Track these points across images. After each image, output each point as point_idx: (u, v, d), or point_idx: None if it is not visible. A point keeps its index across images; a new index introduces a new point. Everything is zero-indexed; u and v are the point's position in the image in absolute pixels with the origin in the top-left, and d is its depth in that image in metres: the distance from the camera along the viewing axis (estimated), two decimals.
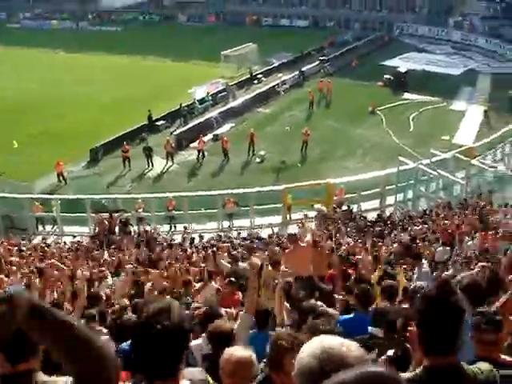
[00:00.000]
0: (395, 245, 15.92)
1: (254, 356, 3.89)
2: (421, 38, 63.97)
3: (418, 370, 2.96)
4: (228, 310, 7.46)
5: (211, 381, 3.38)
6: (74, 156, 33.22)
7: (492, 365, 3.26)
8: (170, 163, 33.18)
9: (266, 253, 13.95)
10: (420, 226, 19.33)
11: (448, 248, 14.61)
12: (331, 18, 73.10)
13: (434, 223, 19.23)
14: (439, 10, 68.53)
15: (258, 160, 33.31)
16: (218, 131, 37.31)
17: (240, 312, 6.74)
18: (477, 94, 45.46)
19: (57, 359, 1.91)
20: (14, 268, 13.86)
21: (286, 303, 7.19)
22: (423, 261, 11.89)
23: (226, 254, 15.15)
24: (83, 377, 1.91)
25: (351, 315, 6.89)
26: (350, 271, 10.92)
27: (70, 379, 2.07)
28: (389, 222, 22.16)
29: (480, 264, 7.80)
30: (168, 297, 8.73)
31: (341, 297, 8.37)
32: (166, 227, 26.54)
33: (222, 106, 42.06)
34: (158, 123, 38.50)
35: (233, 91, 44.67)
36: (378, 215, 24.26)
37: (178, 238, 23.35)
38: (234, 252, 16.02)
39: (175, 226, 26.40)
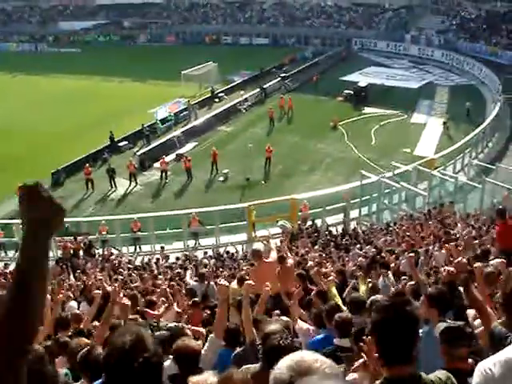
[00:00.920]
0: (360, 258, 15.96)
1: None
2: (379, 53, 64.97)
3: (377, 382, 2.97)
4: (195, 328, 7.37)
5: None
6: (35, 180, 32.74)
7: (461, 374, 3.27)
8: (133, 184, 32.97)
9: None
10: (384, 239, 19.47)
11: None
12: (291, 36, 73.82)
13: (398, 235, 19.37)
14: (396, 26, 69.70)
15: (221, 178, 33.28)
16: (181, 151, 37.22)
17: (210, 335, 6.68)
18: (436, 107, 46.23)
19: None
20: None
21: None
22: (389, 272, 11.95)
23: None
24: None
25: (322, 335, 6.82)
26: (312, 287, 10.87)
27: None
28: (353, 236, 22.25)
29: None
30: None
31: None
32: (131, 249, 26.29)
33: (184, 126, 42.02)
34: (120, 144, 38.31)
35: (194, 110, 44.68)
36: (342, 229, 24.36)
37: (143, 259, 23.14)
38: (203, 270, 15.89)
39: (140, 248, 26.19)
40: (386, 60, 62.40)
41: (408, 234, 17.90)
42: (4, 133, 39.76)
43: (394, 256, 15.07)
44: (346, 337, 5.73)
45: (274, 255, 11.50)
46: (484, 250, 11.57)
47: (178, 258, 22.24)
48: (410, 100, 46.82)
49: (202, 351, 5.90)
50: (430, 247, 15.29)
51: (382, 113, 43.99)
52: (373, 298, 7.16)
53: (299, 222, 25.95)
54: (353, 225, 26.50)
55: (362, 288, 10.70)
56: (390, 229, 21.77)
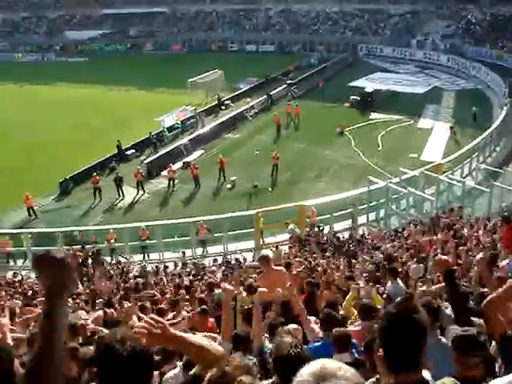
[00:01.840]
0: (368, 264, 15.95)
1: None
2: (385, 59, 64.99)
3: None
4: (207, 333, 7.38)
5: None
6: (43, 189, 32.98)
7: (473, 382, 3.26)
8: (140, 192, 33.03)
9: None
10: (392, 244, 19.42)
11: (422, 265, 14.66)
12: (296, 42, 73.95)
13: (406, 241, 19.33)
14: (401, 31, 69.71)
15: (228, 186, 33.30)
16: (188, 159, 37.27)
17: (218, 338, 6.68)
18: (442, 111, 46.17)
19: None
20: None
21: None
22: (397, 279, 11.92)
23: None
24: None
25: (319, 343, 6.75)
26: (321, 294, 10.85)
27: None
28: (361, 242, 22.23)
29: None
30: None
31: None
32: (139, 257, 26.35)
33: (191, 134, 42.09)
34: (128, 152, 38.42)
35: (201, 118, 44.76)
36: (349, 235, 24.32)
37: (151, 268, 23.15)
38: (211, 279, 15.92)
39: (148, 256, 26.23)
40: (392, 65, 62.39)
41: (416, 239, 17.87)
42: (12, 142, 40.00)
43: (401, 262, 15.05)
44: (344, 351, 5.69)
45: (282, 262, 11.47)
46: (492, 255, 11.53)
47: (184, 265, 22.26)
48: (416, 105, 46.78)
49: None
50: (439, 250, 15.26)
51: (389, 118, 43.95)
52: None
53: (307, 229, 25.94)
54: (361, 231, 26.48)
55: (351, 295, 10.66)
56: (399, 234, 21.73)
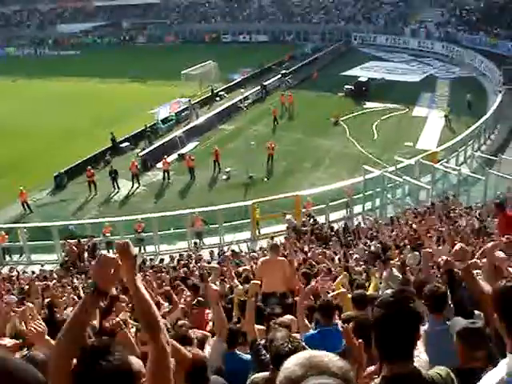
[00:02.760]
0: (364, 253, 15.94)
1: None
2: (379, 47, 64.92)
3: (376, 381, 2.95)
4: (196, 331, 7.32)
5: None
6: (38, 183, 32.89)
7: (475, 373, 3.24)
8: (136, 185, 32.95)
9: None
10: (388, 233, 19.42)
11: (417, 253, 14.66)
12: (290, 32, 73.79)
13: (402, 229, 19.32)
14: (395, 19, 69.60)
15: (224, 177, 33.26)
16: (183, 150, 37.19)
17: (215, 336, 6.66)
18: (437, 100, 46.14)
19: None
20: None
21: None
22: (393, 268, 11.90)
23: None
24: None
25: (315, 331, 6.76)
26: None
27: None
28: (357, 231, 22.22)
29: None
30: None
31: None
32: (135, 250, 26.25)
33: (186, 125, 41.99)
34: (122, 145, 38.31)
35: (195, 109, 44.66)
36: (345, 224, 24.30)
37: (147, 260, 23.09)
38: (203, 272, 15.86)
39: (144, 248, 26.18)
40: (387, 54, 62.34)
41: (412, 228, 17.85)
42: (5, 136, 39.81)
43: (398, 250, 15.04)
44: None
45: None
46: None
47: (180, 257, 22.18)
48: (411, 93, 46.76)
49: (207, 354, 5.86)
50: (434, 238, 15.26)
51: (384, 107, 43.91)
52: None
53: (303, 219, 25.92)
54: (357, 220, 26.48)
55: (373, 283, 10.70)
56: (395, 223, 21.72)
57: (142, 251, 26.00)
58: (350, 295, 8.37)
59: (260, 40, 73.83)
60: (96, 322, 6.32)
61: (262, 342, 5.79)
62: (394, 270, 11.16)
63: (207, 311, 9.60)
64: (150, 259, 23.02)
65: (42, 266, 23.03)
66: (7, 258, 26.58)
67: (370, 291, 10.17)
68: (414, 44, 63.53)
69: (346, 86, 47.71)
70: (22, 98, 50.63)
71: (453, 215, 19.70)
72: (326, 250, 17.26)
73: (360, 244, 19.00)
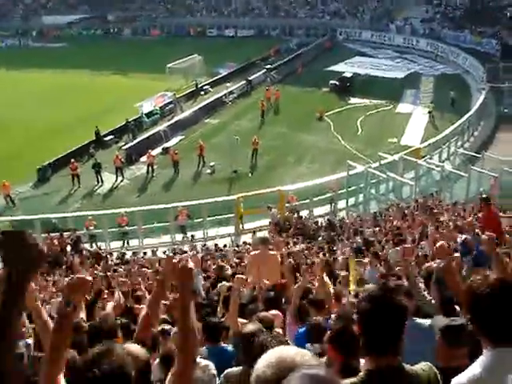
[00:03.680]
0: (347, 249, 16.01)
1: None
2: (364, 43, 64.96)
3: (361, 374, 2.96)
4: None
5: None
6: (21, 176, 32.63)
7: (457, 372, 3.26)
8: (120, 178, 32.82)
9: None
10: (372, 229, 19.51)
11: (399, 248, 14.72)
12: (275, 27, 73.68)
13: (385, 225, 19.42)
14: (380, 15, 69.70)
15: (208, 171, 33.22)
16: (167, 144, 37.07)
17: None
18: (421, 96, 46.32)
19: None
20: None
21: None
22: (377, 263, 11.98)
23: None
24: None
25: (304, 329, 6.72)
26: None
27: None
28: (340, 227, 22.30)
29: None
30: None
31: None
32: (119, 244, 26.23)
33: (170, 119, 41.85)
34: (106, 138, 38.11)
35: (180, 103, 44.53)
36: (328, 220, 24.37)
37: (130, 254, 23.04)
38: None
39: (128, 242, 26.12)
40: (371, 50, 62.35)
41: (395, 223, 17.96)
42: None
43: (380, 245, 15.12)
44: (317, 342, 5.64)
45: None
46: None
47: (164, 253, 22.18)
48: (395, 90, 46.92)
49: None
50: (417, 236, 15.34)
51: (368, 103, 44.06)
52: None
53: (287, 214, 25.97)
54: (341, 215, 26.58)
55: (352, 274, 10.75)
56: (378, 219, 21.83)
57: (126, 245, 25.99)
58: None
59: (245, 34, 73.58)
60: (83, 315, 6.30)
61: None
62: (378, 266, 11.27)
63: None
64: (133, 253, 22.98)
65: None
66: None
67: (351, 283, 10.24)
68: (398, 40, 63.58)
69: (331, 82, 47.73)
70: (4, 91, 50.08)
71: (436, 211, 19.83)
72: (311, 245, 17.34)
73: (344, 239, 19.09)
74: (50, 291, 13.23)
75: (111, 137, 38.49)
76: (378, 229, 19.27)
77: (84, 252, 23.13)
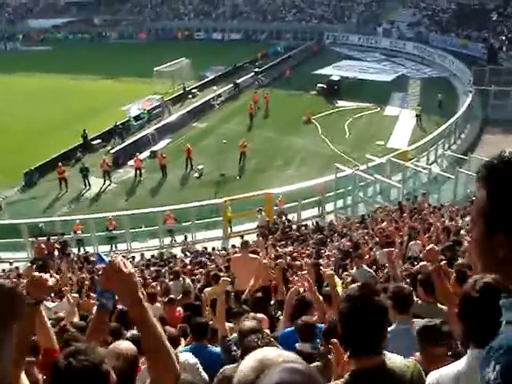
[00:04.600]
0: (334, 251, 16.03)
1: None
2: (351, 47, 65.17)
3: (346, 375, 2.97)
4: (168, 328, 7.31)
5: None
6: (7, 180, 32.45)
7: None
8: (107, 182, 32.71)
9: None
10: (360, 231, 19.53)
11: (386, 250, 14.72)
12: (263, 31, 73.80)
13: (373, 228, 19.44)
14: (367, 19, 69.96)
15: (196, 175, 33.17)
16: (155, 148, 36.97)
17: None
18: (408, 99, 46.51)
19: None
20: None
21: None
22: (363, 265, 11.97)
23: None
24: None
25: (292, 328, 6.73)
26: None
27: None
28: (329, 229, 22.31)
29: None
30: None
31: None
32: (107, 248, 26.12)
33: (158, 122, 41.77)
34: (94, 142, 37.96)
35: (168, 107, 44.47)
36: (316, 223, 24.40)
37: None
38: (176, 268, 15.83)
39: (116, 246, 26.03)
40: (359, 53, 62.56)
41: (382, 226, 17.96)
42: None
43: (368, 248, 15.13)
44: (307, 341, 5.63)
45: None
46: (456, 240, 11.62)
47: (152, 256, 22.15)
48: (382, 93, 47.05)
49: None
50: (405, 238, 15.37)
51: (356, 106, 44.17)
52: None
53: (275, 217, 25.98)
54: (329, 218, 26.61)
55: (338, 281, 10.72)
56: (366, 221, 21.85)
57: (114, 249, 25.89)
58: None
59: (233, 38, 73.68)
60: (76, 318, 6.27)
61: (233, 337, 5.81)
62: (365, 266, 11.26)
63: (178, 309, 9.60)
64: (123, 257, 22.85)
65: (11, 263, 22.76)
66: None
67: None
68: (385, 44, 63.85)
69: (319, 85, 47.82)
70: None
71: (424, 213, 19.89)
72: (299, 248, 17.34)
73: (332, 242, 19.10)
74: None
75: (99, 141, 38.31)
76: (366, 231, 19.30)
77: (71, 256, 23.03)
